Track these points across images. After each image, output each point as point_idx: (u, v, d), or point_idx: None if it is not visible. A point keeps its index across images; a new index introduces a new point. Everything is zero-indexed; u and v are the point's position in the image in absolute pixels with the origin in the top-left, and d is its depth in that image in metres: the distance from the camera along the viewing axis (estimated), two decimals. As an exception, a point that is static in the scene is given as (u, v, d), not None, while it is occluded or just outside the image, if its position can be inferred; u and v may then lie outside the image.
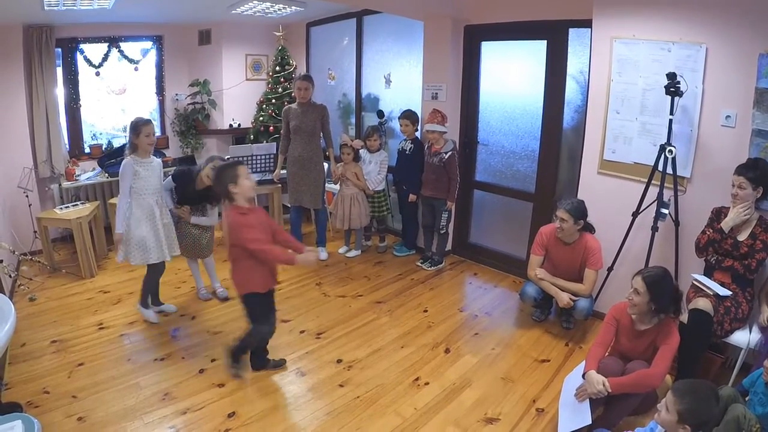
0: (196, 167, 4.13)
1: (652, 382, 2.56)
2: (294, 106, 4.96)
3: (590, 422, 2.58)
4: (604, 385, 2.56)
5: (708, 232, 3.12)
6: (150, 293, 3.98)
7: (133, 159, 3.57)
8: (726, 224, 3.02)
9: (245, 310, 3.11)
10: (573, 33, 4.15)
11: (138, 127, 3.55)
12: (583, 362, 2.80)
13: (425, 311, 4.21)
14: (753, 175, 2.92)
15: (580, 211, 3.51)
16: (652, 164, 3.44)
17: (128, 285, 4.52)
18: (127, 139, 3.69)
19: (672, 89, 3.21)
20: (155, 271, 3.84)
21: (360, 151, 5.20)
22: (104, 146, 5.87)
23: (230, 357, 3.17)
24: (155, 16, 5.69)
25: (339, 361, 3.47)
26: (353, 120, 6.29)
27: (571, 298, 3.61)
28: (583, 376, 2.71)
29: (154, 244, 3.68)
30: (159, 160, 3.77)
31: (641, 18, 3.52)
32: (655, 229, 3.42)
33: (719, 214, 3.16)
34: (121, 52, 5.82)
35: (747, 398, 2.53)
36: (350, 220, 5.16)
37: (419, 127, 5.08)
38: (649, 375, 2.55)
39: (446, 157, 4.68)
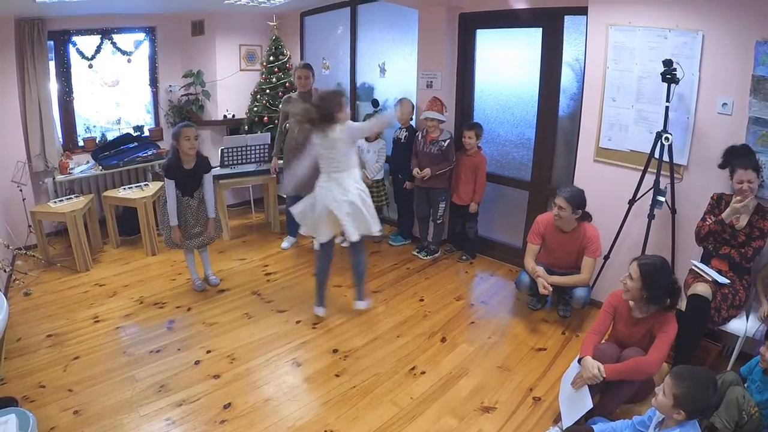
0: (171, 151, 3.96)
1: (647, 370, 2.56)
2: (295, 95, 4.90)
3: (591, 406, 2.58)
4: (599, 370, 2.56)
5: (709, 221, 3.10)
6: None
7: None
8: (727, 216, 2.99)
9: None
10: (568, 20, 4.10)
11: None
12: (577, 358, 2.80)
13: (421, 300, 4.20)
14: (753, 161, 2.91)
15: (578, 200, 3.49)
16: (649, 152, 3.42)
17: (123, 278, 4.51)
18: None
19: (668, 76, 3.20)
20: None
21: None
22: (98, 139, 5.82)
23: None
24: (148, 7, 5.62)
25: (335, 351, 3.47)
26: (348, 110, 6.21)
27: (545, 286, 3.60)
28: (579, 362, 2.71)
29: None
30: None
31: (637, 5, 3.49)
32: (651, 216, 3.41)
33: (720, 200, 3.14)
34: (113, 44, 5.75)
35: (745, 385, 2.54)
36: None
37: (414, 115, 5.04)
38: (645, 363, 2.55)
39: (445, 145, 4.65)
